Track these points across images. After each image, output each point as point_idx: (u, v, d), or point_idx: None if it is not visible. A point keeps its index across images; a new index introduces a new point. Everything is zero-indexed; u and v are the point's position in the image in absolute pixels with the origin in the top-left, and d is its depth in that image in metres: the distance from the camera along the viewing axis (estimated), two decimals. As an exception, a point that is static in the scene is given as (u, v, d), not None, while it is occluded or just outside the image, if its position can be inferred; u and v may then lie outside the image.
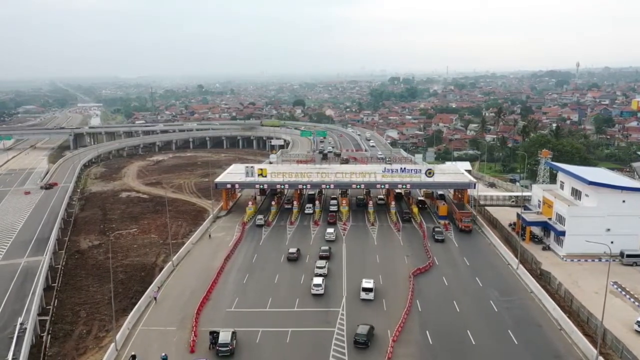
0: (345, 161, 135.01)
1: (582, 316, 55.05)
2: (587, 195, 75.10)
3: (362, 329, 48.43)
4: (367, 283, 58.80)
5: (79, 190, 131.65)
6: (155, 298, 57.37)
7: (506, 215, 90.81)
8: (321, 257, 69.25)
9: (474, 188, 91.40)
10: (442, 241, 76.97)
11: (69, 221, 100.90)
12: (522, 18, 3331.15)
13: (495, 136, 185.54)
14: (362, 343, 47.40)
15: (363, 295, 57.58)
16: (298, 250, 71.80)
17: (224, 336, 47.18)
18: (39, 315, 57.77)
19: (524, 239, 76.99)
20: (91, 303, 65.17)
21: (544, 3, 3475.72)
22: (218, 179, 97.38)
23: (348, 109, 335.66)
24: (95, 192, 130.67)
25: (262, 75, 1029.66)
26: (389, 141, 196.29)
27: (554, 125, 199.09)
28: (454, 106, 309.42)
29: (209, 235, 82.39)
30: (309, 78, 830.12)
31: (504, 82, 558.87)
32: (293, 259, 69.60)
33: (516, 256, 68.12)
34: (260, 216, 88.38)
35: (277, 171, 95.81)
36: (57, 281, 71.34)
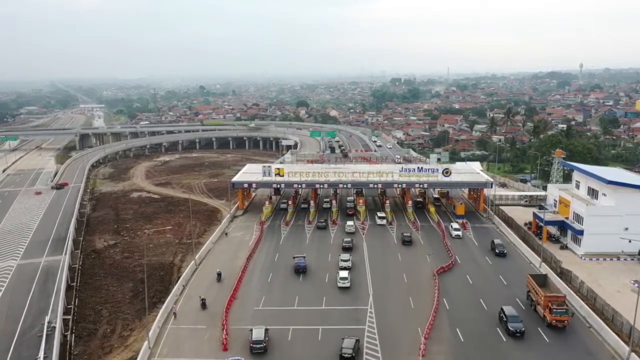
0: (345, 155, 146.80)
1: (607, 314, 55.01)
2: (604, 195, 75.28)
3: (407, 232, 78.64)
4: (381, 214, 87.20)
5: (88, 191, 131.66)
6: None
7: (520, 215, 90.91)
8: (344, 249, 72.07)
9: (491, 188, 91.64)
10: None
11: (82, 221, 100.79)
12: (522, 19, 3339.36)
13: (502, 137, 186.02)
14: (408, 242, 74.93)
15: (378, 221, 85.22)
16: (326, 220, 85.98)
17: (257, 333, 47.34)
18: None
19: (540, 238, 77.13)
20: (112, 302, 65.28)
21: (543, 4, 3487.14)
22: (235, 179, 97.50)
23: (352, 110, 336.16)
24: (106, 193, 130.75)
25: (262, 76, 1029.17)
26: (395, 141, 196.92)
27: (560, 125, 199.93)
28: (457, 107, 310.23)
29: (225, 234, 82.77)
30: (310, 79, 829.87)
31: (505, 83, 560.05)
32: (322, 227, 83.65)
33: (538, 255, 68.25)
34: (284, 200, 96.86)
35: (294, 171, 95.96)
36: (75, 281, 71.29)
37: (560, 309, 50.55)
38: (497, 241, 73.72)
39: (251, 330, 48.34)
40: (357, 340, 46.97)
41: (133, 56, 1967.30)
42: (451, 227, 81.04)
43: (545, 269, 64.96)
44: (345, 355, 44.83)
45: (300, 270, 64.92)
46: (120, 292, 68.17)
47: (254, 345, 46.53)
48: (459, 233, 78.93)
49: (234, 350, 47.24)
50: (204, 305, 56.07)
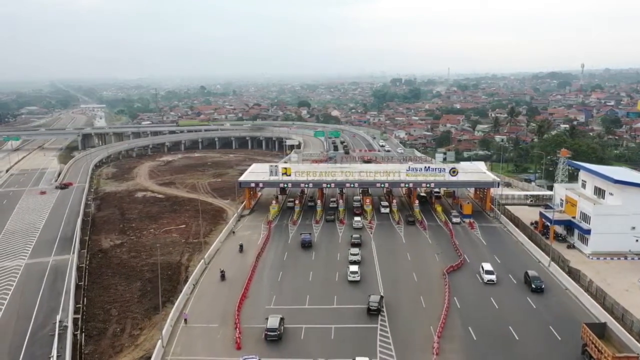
0: (346, 153, 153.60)
1: (617, 313, 54.99)
2: (611, 194, 75.35)
3: (410, 217, 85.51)
4: (385, 202, 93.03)
5: (92, 190, 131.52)
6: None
7: (526, 214, 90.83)
8: (353, 245, 72.98)
9: (498, 187, 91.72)
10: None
11: (87, 221, 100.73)
12: (522, 19, 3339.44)
13: (505, 136, 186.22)
14: (412, 222, 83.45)
15: (382, 209, 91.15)
16: (334, 214, 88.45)
17: (272, 321, 48.01)
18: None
19: (547, 238, 77.14)
20: (121, 301, 65.19)
21: (543, 4, 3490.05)
22: (241, 178, 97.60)
23: (353, 110, 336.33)
24: (110, 192, 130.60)
25: (262, 76, 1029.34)
26: (398, 141, 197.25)
27: (562, 125, 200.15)
28: (458, 107, 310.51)
29: (233, 232, 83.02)
30: (310, 79, 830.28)
31: (505, 83, 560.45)
32: (331, 221, 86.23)
33: (547, 254, 68.32)
34: (291, 198, 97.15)
35: (300, 170, 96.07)
36: (83, 280, 71.21)
37: None
38: (532, 273, 60.77)
39: (267, 318, 48.91)
40: (382, 297, 55.09)
41: (133, 56, 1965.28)
42: (482, 268, 63.05)
43: (553, 267, 64.81)
44: (372, 308, 52.87)
45: (306, 245, 73.01)
46: (129, 292, 68.11)
47: (268, 333, 47.04)
48: (493, 277, 61.19)
49: (247, 348, 47.30)
50: (223, 277, 62.61)
